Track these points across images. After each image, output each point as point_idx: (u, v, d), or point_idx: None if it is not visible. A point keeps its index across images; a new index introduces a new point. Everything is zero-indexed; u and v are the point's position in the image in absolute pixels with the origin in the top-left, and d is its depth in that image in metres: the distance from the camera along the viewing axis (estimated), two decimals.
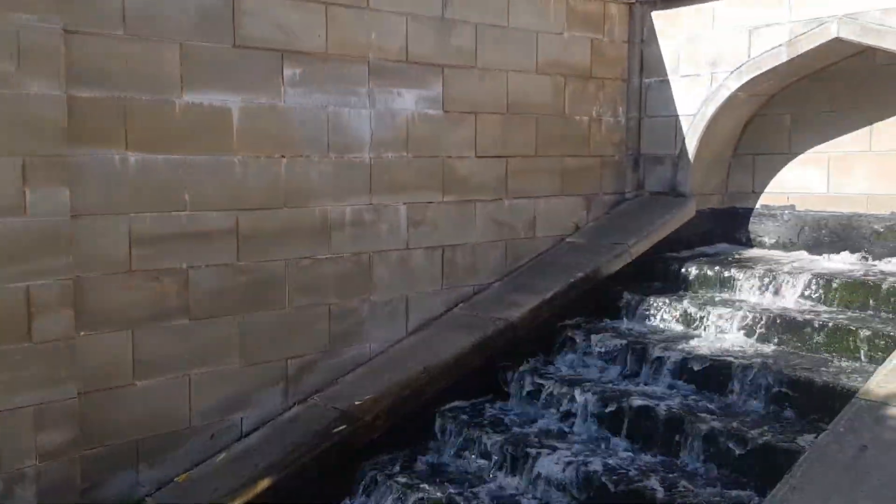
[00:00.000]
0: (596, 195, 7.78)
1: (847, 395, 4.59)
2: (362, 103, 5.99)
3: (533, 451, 5.06)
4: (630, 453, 5.03)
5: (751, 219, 7.77)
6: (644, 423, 5.14)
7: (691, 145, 7.55)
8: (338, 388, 5.85)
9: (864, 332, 5.37)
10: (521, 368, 6.07)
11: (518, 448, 5.13)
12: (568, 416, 5.54)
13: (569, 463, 4.86)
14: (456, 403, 5.86)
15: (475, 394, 6.00)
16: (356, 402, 5.54)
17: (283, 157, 5.62)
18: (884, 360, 5.03)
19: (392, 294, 6.34)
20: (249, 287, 5.52)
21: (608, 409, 5.34)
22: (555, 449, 5.08)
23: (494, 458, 5.22)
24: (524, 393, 5.90)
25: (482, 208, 6.89)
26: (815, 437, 4.19)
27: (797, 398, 5.02)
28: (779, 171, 7.59)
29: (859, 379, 4.90)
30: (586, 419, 5.41)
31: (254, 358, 5.58)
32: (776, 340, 5.78)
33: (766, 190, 7.68)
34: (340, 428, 5.33)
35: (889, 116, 6.82)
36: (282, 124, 5.60)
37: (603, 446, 5.16)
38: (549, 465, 4.90)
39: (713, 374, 5.48)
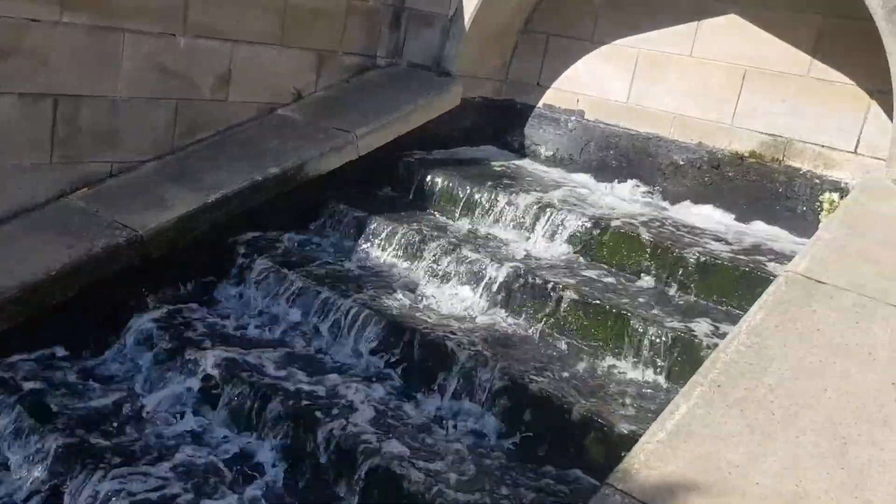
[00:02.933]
0: (334, 53, 5.52)
1: (604, 440, 2.97)
2: None
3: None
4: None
5: (529, 119, 5.92)
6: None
7: (471, 5, 5.44)
8: None
9: (637, 323, 3.73)
10: (137, 321, 3.89)
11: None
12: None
13: None
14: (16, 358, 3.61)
15: (45, 344, 3.76)
16: None
17: None
18: (656, 361, 3.48)
19: None
20: None
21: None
22: None
23: None
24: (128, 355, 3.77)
25: (137, 44, 4.43)
26: None
27: (530, 423, 3.32)
28: (574, 62, 5.72)
29: (624, 412, 3.27)
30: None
31: None
32: (517, 311, 4.04)
33: (555, 85, 5.82)
34: None
35: (725, 12, 5.09)
36: None
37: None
38: None
39: (425, 358, 3.66)
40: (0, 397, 3.38)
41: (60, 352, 3.77)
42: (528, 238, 4.66)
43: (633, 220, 4.64)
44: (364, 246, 4.57)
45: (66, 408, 3.38)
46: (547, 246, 4.58)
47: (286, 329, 3.98)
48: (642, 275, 4.30)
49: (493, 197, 4.86)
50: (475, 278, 4.19)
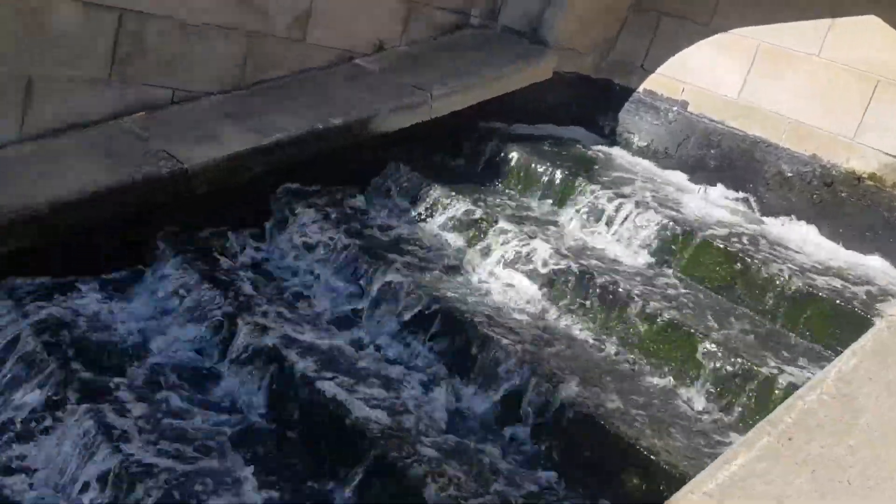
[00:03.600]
0: (425, 6, 5.15)
1: (642, 470, 2.56)
2: None
3: None
4: None
5: (626, 104, 5.41)
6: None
7: None
8: None
9: (708, 344, 3.26)
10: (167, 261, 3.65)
11: None
12: None
13: None
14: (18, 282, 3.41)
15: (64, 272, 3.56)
16: None
17: None
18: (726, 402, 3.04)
19: None
20: None
21: None
22: None
23: None
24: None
25: None
26: None
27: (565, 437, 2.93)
28: (684, 47, 5.18)
29: (671, 442, 2.84)
30: None
31: None
32: (575, 311, 3.63)
33: (659, 70, 5.29)
34: None
35: (864, 12, 4.46)
36: None
37: None
38: None
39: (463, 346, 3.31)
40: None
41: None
42: (603, 233, 4.22)
43: (723, 230, 4.14)
44: (421, 214, 4.22)
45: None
46: (622, 245, 4.14)
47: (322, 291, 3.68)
48: (724, 292, 3.82)
49: (571, 182, 4.43)
50: (535, 268, 3.79)
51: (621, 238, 4.15)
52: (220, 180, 3.85)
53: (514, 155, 4.65)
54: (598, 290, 3.60)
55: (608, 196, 4.29)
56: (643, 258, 4.04)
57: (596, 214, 4.27)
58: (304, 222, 3.92)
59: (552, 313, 3.65)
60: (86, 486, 2.55)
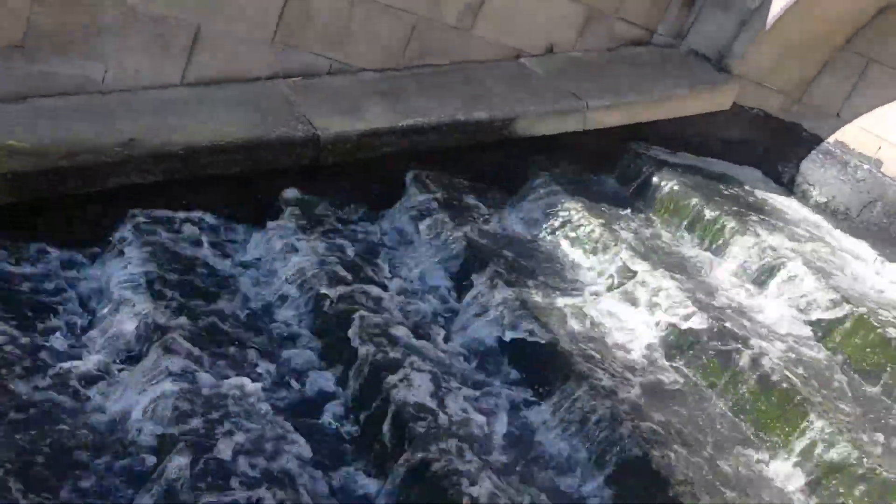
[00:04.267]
0: (606, 16, 4.89)
1: None
2: None
3: None
4: None
5: (812, 153, 4.85)
6: None
7: (782, 0, 4.51)
8: None
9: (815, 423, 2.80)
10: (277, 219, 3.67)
11: None
12: None
13: None
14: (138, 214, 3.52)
15: (189, 207, 3.65)
16: None
17: None
18: None
19: (168, 10, 3.84)
20: None
21: None
22: None
23: None
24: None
25: None
26: None
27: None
28: (892, 101, 4.55)
29: None
30: None
31: None
32: (694, 365, 3.25)
33: (858, 122, 4.69)
34: None
35: None
36: None
37: None
38: None
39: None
40: None
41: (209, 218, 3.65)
42: (753, 291, 3.79)
43: (888, 313, 3.57)
44: (553, 230, 3.97)
45: None
46: (772, 308, 3.68)
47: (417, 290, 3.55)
48: (870, 379, 3.28)
49: (728, 226, 4.00)
50: (665, 313, 3.44)
51: (769, 297, 3.70)
52: (349, 153, 3.83)
53: (669, 184, 4.30)
54: (728, 352, 3.20)
55: (769, 249, 3.83)
56: (789, 324, 3.57)
57: (749, 267, 3.84)
58: (417, 213, 3.80)
59: (666, 364, 3.28)
60: None
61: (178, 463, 2.33)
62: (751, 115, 4.90)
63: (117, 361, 2.84)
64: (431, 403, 2.75)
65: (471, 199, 4.05)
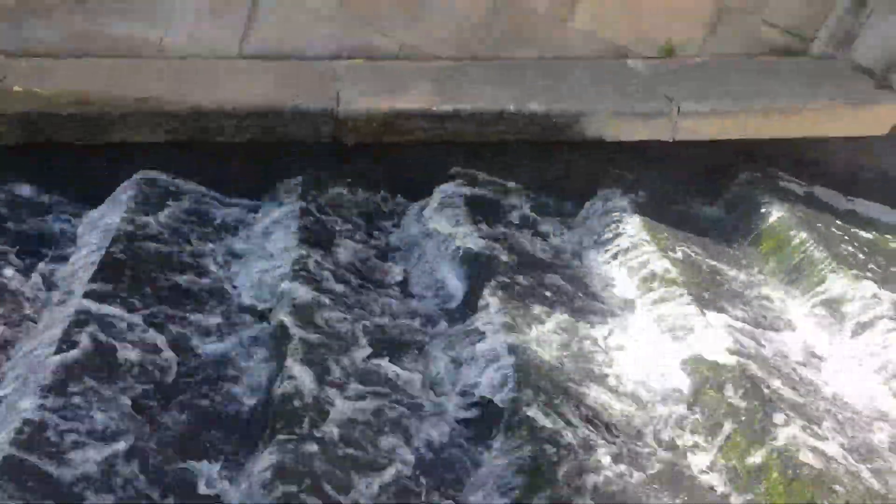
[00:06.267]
0: (747, 14, 4.07)
1: None
2: None
3: None
4: None
5: None
6: None
7: None
8: None
9: None
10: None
11: None
12: None
13: None
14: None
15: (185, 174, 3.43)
16: None
17: None
18: None
19: None
20: None
21: None
22: None
23: None
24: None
25: None
26: None
27: None
28: None
29: None
30: None
31: None
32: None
33: None
34: None
35: None
36: None
37: None
38: None
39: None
40: None
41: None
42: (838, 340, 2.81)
43: None
44: (609, 260, 3.22)
45: None
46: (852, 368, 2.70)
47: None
48: None
49: (843, 278, 3.01)
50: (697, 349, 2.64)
51: (855, 357, 2.70)
52: (374, 134, 3.44)
53: (780, 213, 3.35)
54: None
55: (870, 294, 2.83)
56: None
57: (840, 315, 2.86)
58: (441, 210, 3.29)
59: (688, 429, 2.47)
60: None
61: None
62: None
63: None
64: None
65: (513, 208, 3.45)
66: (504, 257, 3.07)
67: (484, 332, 2.72)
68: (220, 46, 3.87)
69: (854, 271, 3.00)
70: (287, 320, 2.59)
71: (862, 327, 2.82)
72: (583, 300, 2.99)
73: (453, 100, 3.49)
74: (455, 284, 3.09)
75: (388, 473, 2.21)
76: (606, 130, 3.53)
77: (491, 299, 2.83)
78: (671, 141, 3.56)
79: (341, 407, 2.36)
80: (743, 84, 3.70)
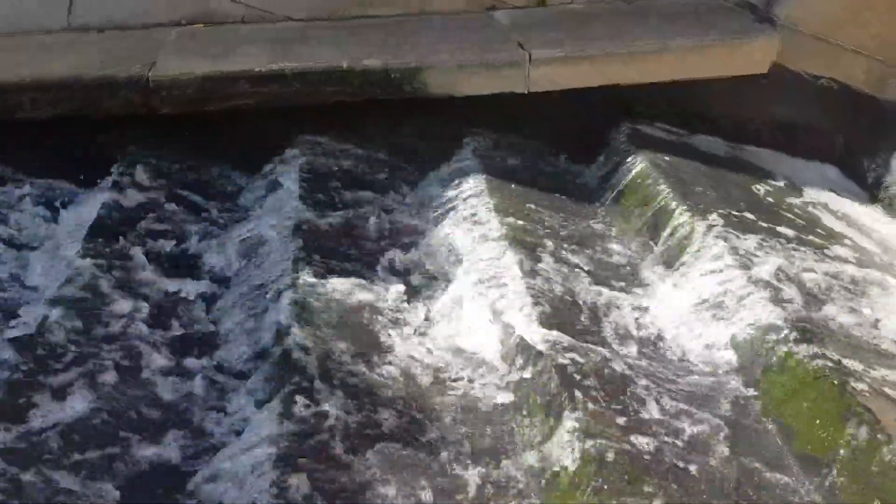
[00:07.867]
0: None
1: None
2: None
3: None
4: None
5: None
6: None
7: None
8: None
9: None
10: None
11: None
12: None
13: None
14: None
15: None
16: None
17: None
18: None
19: None
20: None
21: None
22: None
23: None
24: None
25: None
26: None
27: None
28: None
29: None
30: None
31: None
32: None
33: None
34: None
35: None
36: None
37: None
38: None
39: None
40: None
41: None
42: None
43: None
44: (451, 226, 2.89)
45: None
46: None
47: None
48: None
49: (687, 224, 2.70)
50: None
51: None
52: (193, 102, 3.10)
53: (643, 165, 3.03)
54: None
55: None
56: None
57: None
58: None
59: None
60: None
61: None
62: (816, 87, 3.45)
63: None
64: None
65: (356, 175, 3.13)
66: (329, 227, 2.77)
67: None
68: (47, 20, 3.55)
69: (707, 220, 2.68)
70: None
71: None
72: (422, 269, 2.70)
73: (283, 59, 3.16)
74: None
75: None
76: (454, 85, 3.20)
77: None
78: (526, 92, 3.22)
79: None
80: (606, 27, 3.36)
